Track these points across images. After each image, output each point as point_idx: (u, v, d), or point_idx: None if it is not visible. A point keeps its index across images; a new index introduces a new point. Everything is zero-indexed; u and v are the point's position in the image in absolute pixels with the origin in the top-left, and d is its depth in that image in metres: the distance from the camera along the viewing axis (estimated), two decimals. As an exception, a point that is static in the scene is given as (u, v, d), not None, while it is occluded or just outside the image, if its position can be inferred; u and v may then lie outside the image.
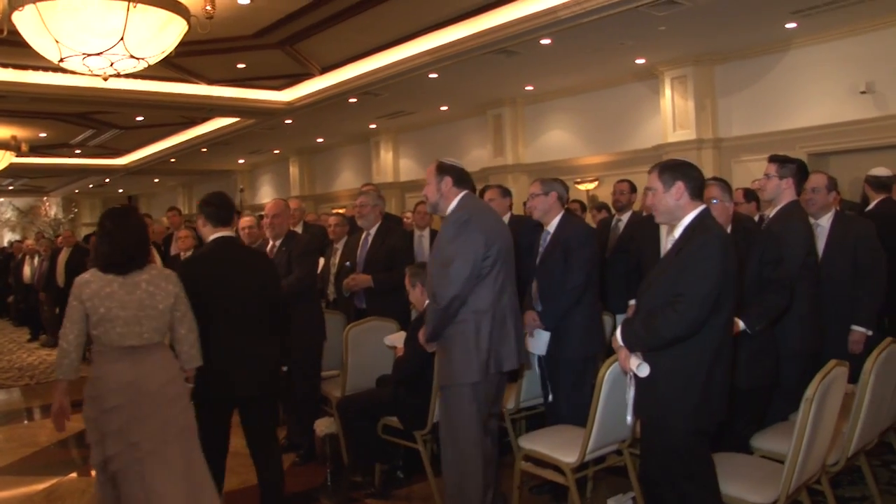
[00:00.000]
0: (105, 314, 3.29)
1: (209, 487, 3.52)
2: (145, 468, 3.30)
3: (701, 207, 3.03)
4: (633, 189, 6.54)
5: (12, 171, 16.67)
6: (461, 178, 3.75)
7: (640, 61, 10.05)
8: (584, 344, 4.35)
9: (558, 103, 12.32)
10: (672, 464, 3.00)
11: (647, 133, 10.91)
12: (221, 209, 3.97)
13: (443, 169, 3.76)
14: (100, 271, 3.36)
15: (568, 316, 4.30)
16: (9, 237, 25.76)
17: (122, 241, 3.38)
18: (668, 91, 10.30)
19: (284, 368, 4.26)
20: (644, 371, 2.97)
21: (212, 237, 3.93)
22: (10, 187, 24.62)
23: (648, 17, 7.80)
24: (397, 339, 4.66)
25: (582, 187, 11.64)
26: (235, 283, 3.81)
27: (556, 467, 3.71)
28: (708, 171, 9.17)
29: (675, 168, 3.08)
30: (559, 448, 3.71)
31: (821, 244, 4.45)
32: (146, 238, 3.59)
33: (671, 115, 10.29)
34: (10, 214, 28.42)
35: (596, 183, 11.59)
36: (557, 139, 12.50)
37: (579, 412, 3.86)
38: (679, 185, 3.02)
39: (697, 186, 3.04)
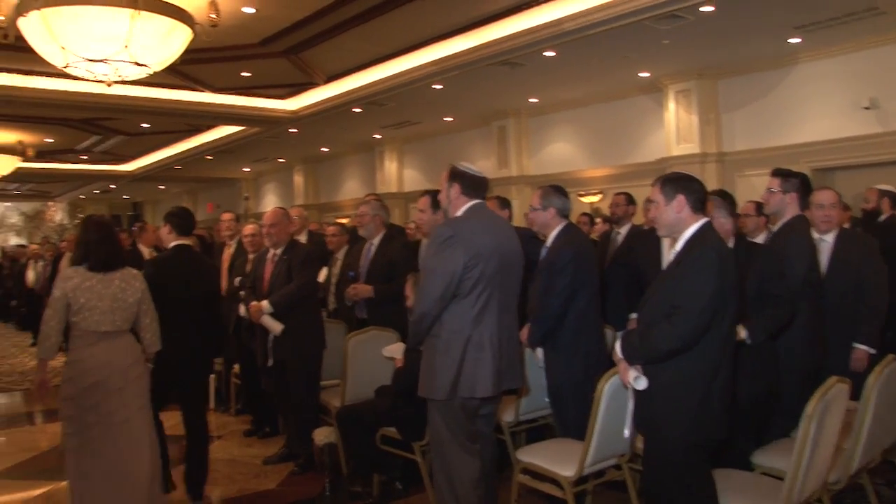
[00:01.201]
0: (85, 304, 3.92)
1: (157, 459, 4.19)
2: (118, 435, 3.96)
3: (702, 221, 3.02)
4: (630, 201, 6.52)
5: (19, 176, 16.74)
6: (472, 187, 3.64)
7: (645, 74, 10.06)
8: (571, 367, 4.24)
9: (562, 115, 12.34)
10: (670, 479, 2.98)
11: (651, 146, 10.92)
12: (185, 221, 4.78)
13: (453, 175, 3.68)
14: (82, 269, 4.00)
15: (556, 337, 4.26)
16: (14, 241, 25.81)
17: (104, 249, 4.07)
18: (671, 104, 10.31)
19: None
20: (642, 384, 2.95)
21: (173, 244, 4.72)
22: (17, 192, 24.71)
23: (652, 31, 7.81)
24: (396, 349, 4.64)
25: (586, 200, 11.64)
26: (187, 283, 4.57)
27: (556, 481, 3.69)
28: (711, 185, 9.13)
29: (677, 181, 3.07)
30: (557, 461, 3.69)
31: (824, 260, 4.43)
32: (120, 246, 4.37)
33: (675, 129, 10.30)
34: (15, 219, 28.49)
35: (600, 196, 11.60)
36: (561, 151, 12.51)
37: (580, 426, 3.83)
38: (680, 199, 3.01)
39: (699, 200, 3.04)
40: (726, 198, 3.91)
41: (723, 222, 3.72)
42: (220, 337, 4.98)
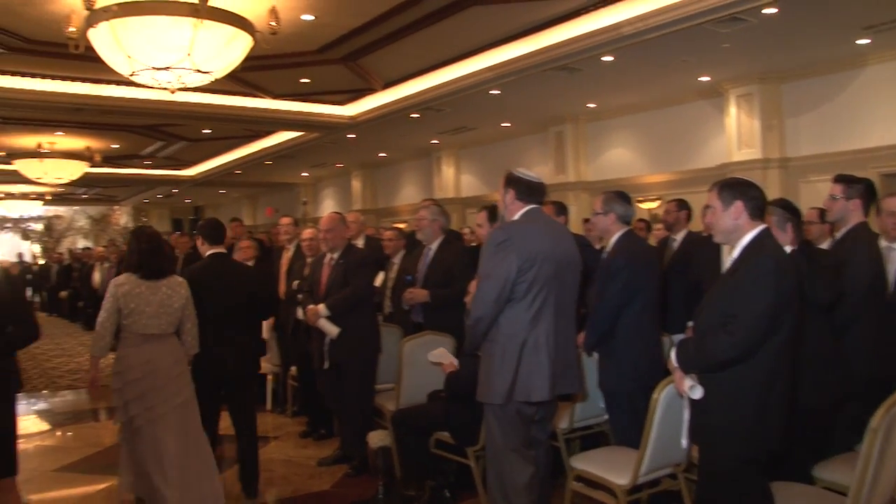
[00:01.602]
0: (134, 309, 4.25)
1: (205, 446, 4.50)
2: (157, 427, 4.27)
3: (760, 227, 2.95)
4: (682, 207, 6.40)
5: (86, 180, 17.23)
6: (527, 192, 3.64)
7: (705, 79, 9.90)
8: (621, 375, 4.19)
9: (620, 121, 12.23)
10: (725, 491, 2.92)
11: (711, 152, 10.74)
12: (215, 231, 5.07)
13: (508, 181, 3.70)
14: (133, 276, 4.32)
15: (608, 344, 4.22)
16: (82, 244, 26.60)
17: (154, 259, 4.39)
18: (732, 109, 10.12)
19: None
20: (697, 393, 2.90)
21: (208, 253, 4.99)
22: (85, 196, 25.43)
23: (712, 34, 7.69)
24: (440, 355, 4.64)
25: (644, 206, 11.50)
26: (223, 288, 4.81)
27: (609, 489, 3.65)
28: (774, 192, 9.00)
29: (735, 187, 3.01)
30: (612, 469, 3.65)
31: (893, 269, 4.28)
32: (168, 256, 4.77)
33: (736, 134, 10.11)
34: (83, 222, 29.34)
35: (658, 202, 11.45)
36: (619, 157, 12.40)
37: (633, 434, 3.79)
38: (738, 205, 2.95)
39: (758, 207, 2.97)
40: (787, 208, 3.82)
41: (779, 234, 3.64)
42: (259, 338, 5.32)
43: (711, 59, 8.87)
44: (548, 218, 3.88)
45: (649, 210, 11.43)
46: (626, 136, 12.27)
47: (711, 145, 10.81)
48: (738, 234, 2.97)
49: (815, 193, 8.77)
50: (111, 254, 13.48)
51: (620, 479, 3.55)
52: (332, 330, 5.24)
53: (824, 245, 4.90)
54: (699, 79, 9.90)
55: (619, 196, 4.41)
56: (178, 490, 4.22)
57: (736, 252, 2.97)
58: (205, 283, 4.72)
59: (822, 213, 5.05)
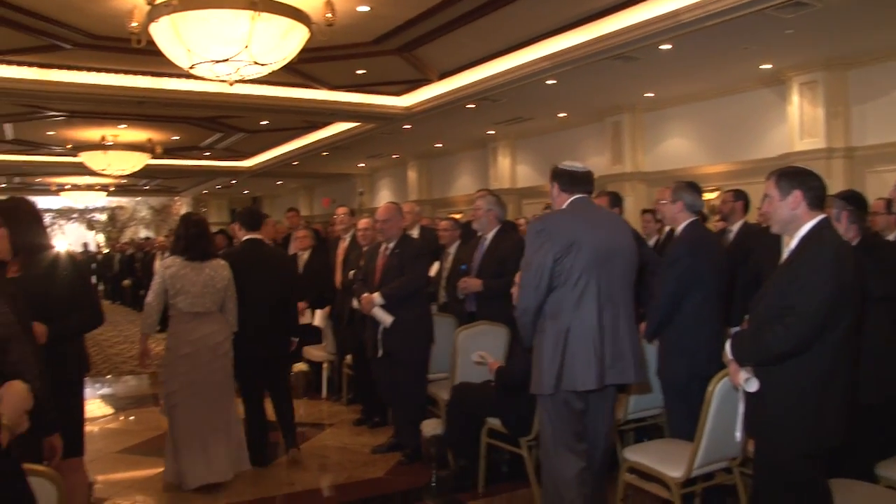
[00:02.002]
0: (181, 289, 4.71)
1: (237, 422, 5.09)
2: (199, 399, 4.77)
3: (819, 217, 2.87)
4: (739, 198, 6.28)
5: (148, 171, 17.63)
6: (571, 182, 3.72)
7: (766, 66, 9.67)
8: (676, 366, 4.14)
9: (678, 110, 12.02)
10: (782, 488, 2.86)
11: (773, 141, 10.49)
12: (252, 218, 5.52)
13: (553, 175, 3.80)
14: (179, 259, 4.78)
15: (665, 334, 4.18)
16: (143, 234, 27.26)
17: (200, 243, 4.85)
18: (795, 97, 9.86)
19: (296, 340, 5.70)
20: (752, 386, 2.85)
21: (244, 238, 5.41)
22: (146, 187, 26.03)
23: (775, 20, 7.49)
24: (482, 356, 4.64)
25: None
26: (258, 271, 5.21)
27: (663, 482, 3.61)
28: (839, 183, 8.77)
29: (794, 176, 2.93)
30: (665, 462, 3.62)
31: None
32: (212, 240, 5.15)
33: (799, 123, 9.84)
34: (145, 213, 30.06)
35: (716, 193, 11.23)
36: (677, 147, 12.20)
37: (687, 427, 3.74)
38: (796, 194, 2.88)
39: (817, 196, 2.89)
40: (848, 199, 3.73)
41: (838, 226, 3.55)
42: (290, 318, 5.58)
43: (774, 46, 8.65)
44: (596, 207, 3.89)
45: (707, 201, 11.24)
46: (685, 125, 12.06)
47: (772, 135, 10.56)
48: (795, 225, 2.90)
49: (881, 184, 8.49)
50: (161, 244, 13.79)
51: (674, 472, 3.52)
52: (386, 318, 5.28)
53: (892, 237, 4.76)
54: (760, 66, 9.66)
55: (689, 185, 4.38)
56: (200, 458, 4.78)
57: (793, 243, 2.90)
58: (240, 267, 5.09)
59: (889, 203, 4.91)
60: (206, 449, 4.81)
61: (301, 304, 7.20)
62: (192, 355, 4.74)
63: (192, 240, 4.82)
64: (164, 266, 4.81)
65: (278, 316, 5.34)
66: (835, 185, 8.17)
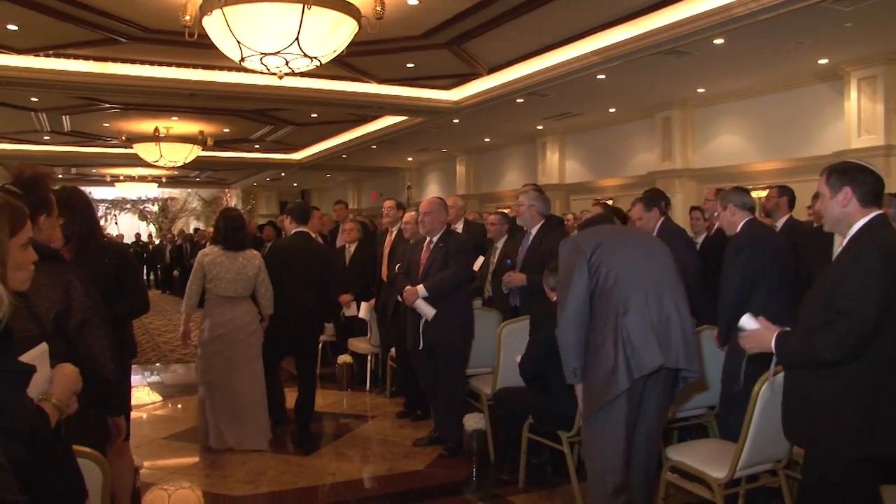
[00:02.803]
0: (216, 274, 5.30)
1: (264, 403, 5.61)
2: (234, 375, 5.39)
3: (872, 214, 2.74)
4: (783, 194, 6.14)
5: (199, 163, 17.91)
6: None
7: (823, 61, 9.44)
8: (733, 366, 4.05)
9: (730, 106, 11.81)
10: (829, 496, 2.77)
11: (828, 139, 10.24)
12: (302, 213, 6.02)
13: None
14: (217, 248, 5.37)
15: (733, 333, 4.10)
16: (194, 225, 27.72)
17: (236, 234, 5.41)
18: (853, 93, 9.61)
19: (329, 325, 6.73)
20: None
21: (293, 231, 5.91)
22: (197, 179, 26.45)
23: (833, 13, 7.31)
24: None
25: (753, 194, 11.10)
26: (301, 260, 5.67)
27: (706, 482, 3.56)
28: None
29: (844, 172, 2.81)
30: (708, 462, 3.57)
31: None
32: (247, 232, 5.74)
33: (856, 120, 9.59)
34: (196, 204, 30.55)
35: (768, 191, 11.01)
36: (728, 144, 11.98)
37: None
38: (846, 191, 2.76)
39: (870, 192, 2.75)
40: None
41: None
42: (329, 305, 6.35)
43: (831, 40, 8.44)
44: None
45: (758, 199, 11.03)
46: (736, 121, 11.84)
47: (828, 132, 10.31)
48: (847, 223, 2.79)
49: (942, 183, 8.25)
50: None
51: (717, 473, 3.46)
52: (428, 311, 5.30)
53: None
54: (817, 61, 9.45)
55: (734, 189, 4.42)
56: (234, 426, 5.45)
57: (845, 242, 2.81)
58: (286, 256, 5.72)
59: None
60: (240, 417, 5.48)
61: (346, 297, 7.36)
62: (226, 335, 5.37)
63: (230, 232, 5.40)
64: (203, 254, 5.44)
65: (318, 301, 5.80)
66: (894, 185, 7.94)
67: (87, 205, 3.75)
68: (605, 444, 3.44)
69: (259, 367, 5.54)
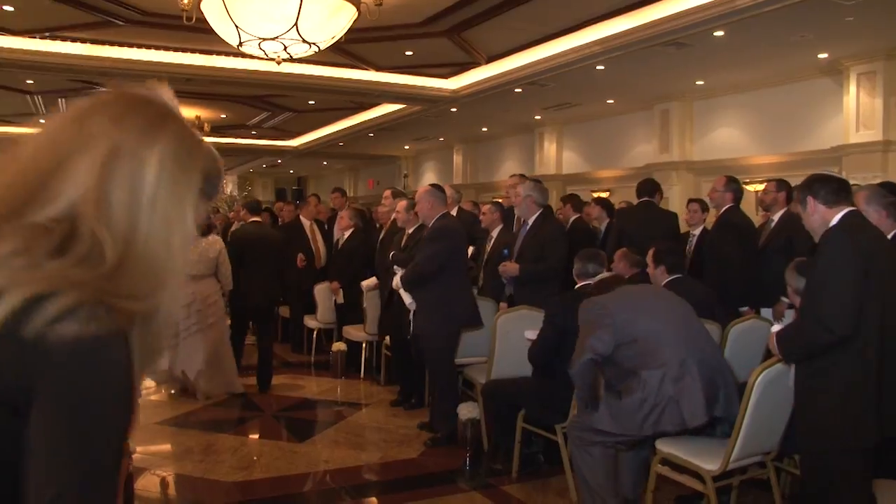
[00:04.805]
0: None
1: (230, 357, 6.75)
2: (198, 337, 6.42)
3: (843, 211, 2.91)
4: (781, 188, 6.16)
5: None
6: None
7: (823, 56, 9.42)
8: None
9: (729, 99, 11.77)
10: (823, 485, 2.81)
11: (826, 133, 10.22)
12: (254, 205, 7.46)
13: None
14: None
15: None
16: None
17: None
18: (852, 88, 9.58)
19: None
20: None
21: (250, 220, 7.25)
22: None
23: (834, 7, 7.28)
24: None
25: (751, 188, 11.09)
26: (256, 244, 6.84)
27: (697, 474, 3.56)
28: (894, 175, 8.51)
29: (804, 187, 3.04)
30: (700, 454, 3.56)
31: None
32: (211, 223, 6.91)
33: (854, 114, 9.56)
34: (191, 189, 30.42)
35: (766, 184, 11.00)
36: (727, 137, 11.96)
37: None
38: (810, 201, 2.96)
39: (830, 192, 2.95)
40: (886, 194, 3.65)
41: (874, 215, 3.53)
42: (281, 282, 7.36)
43: (832, 34, 8.41)
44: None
45: (756, 192, 11.02)
46: (735, 115, 11.82)
47: (826, 126, 10.28)
48: (823, 226, 2.96)
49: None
50: (217, 220, 13.92)
51: (709, 465, 3.46)
52: (407, 300, 5.38)
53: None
54: (817, 56, 9.41)
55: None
56: (205, 379, 6.50)
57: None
58: (244, 241, 6.90)
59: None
60: (209, 368, 6.50)
61: (334, 285, 7.43)
62: (190, 304, 6.36)
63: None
64: None
65: (271, 279, 6.90)
66: (891, 178, 7.93)
67: None
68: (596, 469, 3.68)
69: (222, 329, 6.67)
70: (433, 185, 5.82)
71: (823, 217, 2.94)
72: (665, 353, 3.47)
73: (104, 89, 1.13)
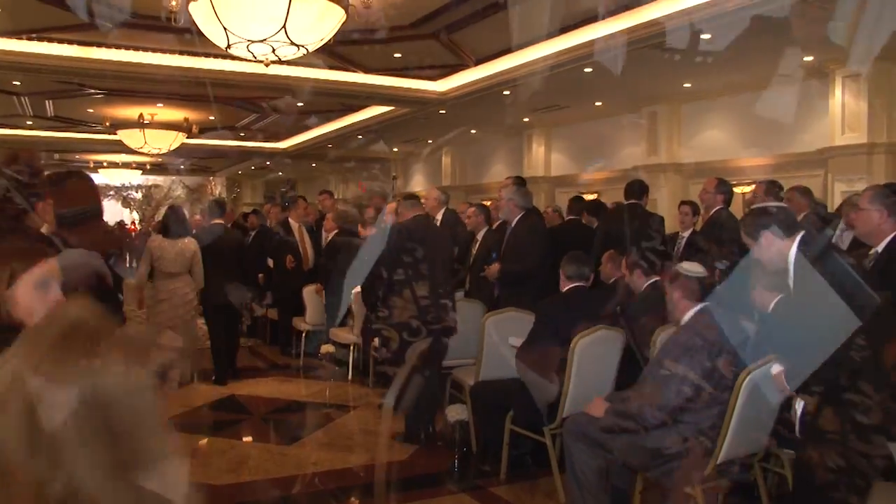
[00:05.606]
0: (161, 255, 6.80)
1: (191, 338, 7.29)
2: (176, 330, 6.61)
3: (797, 239, 3.03)
4: (770, 191, 6.18)
5: (184, 151, 17.73)
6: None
7: (809, 59, 9.47)
8: None
9: (717, 102, 11.84)
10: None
11: (812, 135, 10.27)
12: (217, 208, 8.05)
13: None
14: (160, 236, 6.94)
15: None
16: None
17: (177, 227, 6.97)
18: (838, 91, 9.65)
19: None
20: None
21: (212, 222, 7.73)
22: (182, 167, 26.23)
23: (820, 11, 7.32)
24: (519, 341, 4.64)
25: (738, 190, 11.14)
26: (221, 247, 7.34)
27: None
28: (880, 178, 8.59)
29: (753, 224, 3.15)
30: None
31: None
32: (187, 225, 7.50)
33: (840, 117, 9.63)
34: (180, 191, 30.28)
35: (753, 186, 11.06)
36: (714, 139, 12.02)
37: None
38: (767, 236, 3.05)
39: (782, 224, 3.04)
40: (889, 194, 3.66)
41: (875, 214, 3.56)
42: (242, 281, 7.74)
43: (818, 37, 8.46)
44: None
45: (743, 194, 11.07)
46: (722, 117, 11.88)
47: (812, 128, 10.34)
48: (781, 259, 3.06)
49: (923, 181, 8.30)
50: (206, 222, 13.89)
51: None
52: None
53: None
54: (803, 59, 9.47)
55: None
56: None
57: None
58: (210, 242, 7.25)
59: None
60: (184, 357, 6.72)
61: (318, 287, 7.50)
62: (167, 300, 6.83)
63: (171, 224, 7.01)
64: (150, 240, 7.02)
65: (232, 279, 7.36)
66: (877, 181, 7.99)
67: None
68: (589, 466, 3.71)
69: (195, 325, 7.30)
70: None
71: (782, 251, 3.03)
72: None
73: None
